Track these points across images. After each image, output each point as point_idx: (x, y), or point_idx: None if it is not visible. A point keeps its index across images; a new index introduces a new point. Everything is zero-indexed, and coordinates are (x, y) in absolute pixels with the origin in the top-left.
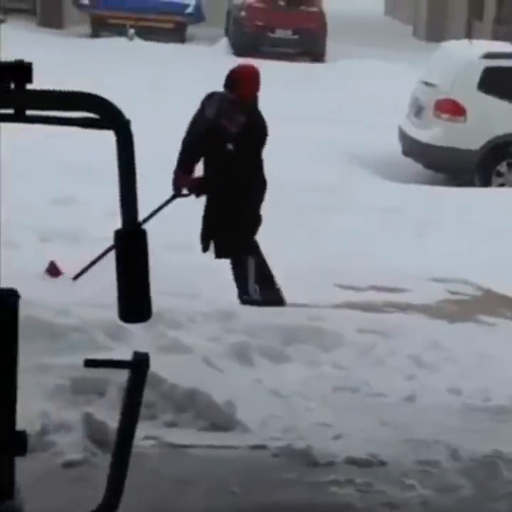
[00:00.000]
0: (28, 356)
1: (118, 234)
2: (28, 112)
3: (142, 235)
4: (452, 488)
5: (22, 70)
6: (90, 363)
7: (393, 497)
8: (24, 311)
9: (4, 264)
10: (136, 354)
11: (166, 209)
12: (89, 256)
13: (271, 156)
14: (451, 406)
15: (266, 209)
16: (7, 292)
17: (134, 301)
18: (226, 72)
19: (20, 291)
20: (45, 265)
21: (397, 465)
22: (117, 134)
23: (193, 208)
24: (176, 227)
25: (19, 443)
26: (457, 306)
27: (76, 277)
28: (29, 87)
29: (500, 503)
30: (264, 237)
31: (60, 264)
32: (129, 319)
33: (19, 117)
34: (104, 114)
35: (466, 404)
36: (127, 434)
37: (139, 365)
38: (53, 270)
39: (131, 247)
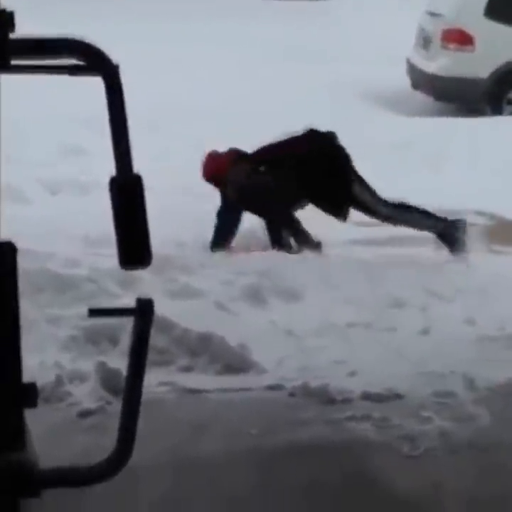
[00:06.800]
0: (39, 308)
1: (113, 181)
2: (13, 62)
3: (138, 181)
4: (470, 418)
5: (3, 18)
6: (94, 313)
7: (410, 430)
8: (34, 263)
9: (15, 220)
10: (140, 300)
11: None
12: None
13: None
14: (466, 337)
15: None
16: (4, 245)
17: (133, 247)
18: None
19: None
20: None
21: (413, 398)
22: (105, 79)
23: None
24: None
25: (28, 395)
26: (471, 236)
27: None
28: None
29: None
30: None
31: None
32: (129, 265)
33: (4, 68)
34: (92, 60)
35: (480, 334)
36: (136, 381)
37: (143, 310)
38: None
39: (127, 193)
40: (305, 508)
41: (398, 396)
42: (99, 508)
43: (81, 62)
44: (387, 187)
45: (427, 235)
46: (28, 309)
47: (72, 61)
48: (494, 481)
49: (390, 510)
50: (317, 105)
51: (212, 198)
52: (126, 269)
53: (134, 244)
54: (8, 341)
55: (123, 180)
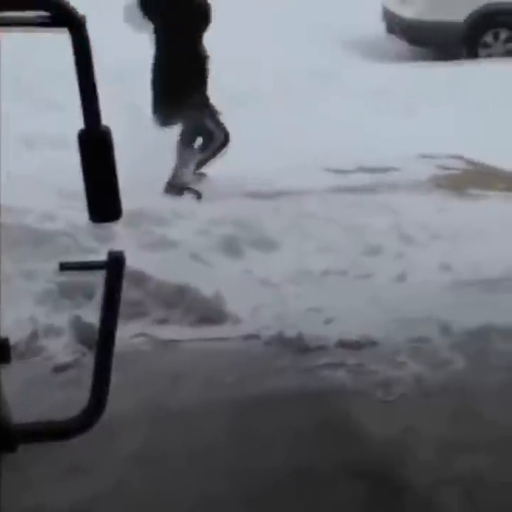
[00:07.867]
0: (15, 263)
1: (81, 135)
2: None
3: (106, 135)
4: (445, 363)
5: None
6: (66, 267)
7: (385, 376)
8: (9, 218)
9: None
10: (111, 253)
11: None
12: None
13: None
14: (442, 282)
15: (256, 95)
16: None
17: (103, 201)
18: None
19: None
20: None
21: (388, 344)
22: (71, 32)
23: None
24: None
25: (1, 351)
26: (448, 181)
27: None
28: None
29: (493, 375)
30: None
31: None
32: (98, 219)
33: None
34: (56, 12)
35: (456, 279)
36: (108, 334)
37: (114, 263)
38: None
39: (95, 147)
40: (281, 456)
41: (374, 343)
42: (76, 460)
43: (47, 14)
44: (363, 134)
45: (402, 181)
46: (4, 264)
47: (40, 13)
48: (467, 425)
49: (365, 455)
50: (292, 50)
51: None
52: (96, 223)
53: (103, 198)
54: None
55: (91, 133)
